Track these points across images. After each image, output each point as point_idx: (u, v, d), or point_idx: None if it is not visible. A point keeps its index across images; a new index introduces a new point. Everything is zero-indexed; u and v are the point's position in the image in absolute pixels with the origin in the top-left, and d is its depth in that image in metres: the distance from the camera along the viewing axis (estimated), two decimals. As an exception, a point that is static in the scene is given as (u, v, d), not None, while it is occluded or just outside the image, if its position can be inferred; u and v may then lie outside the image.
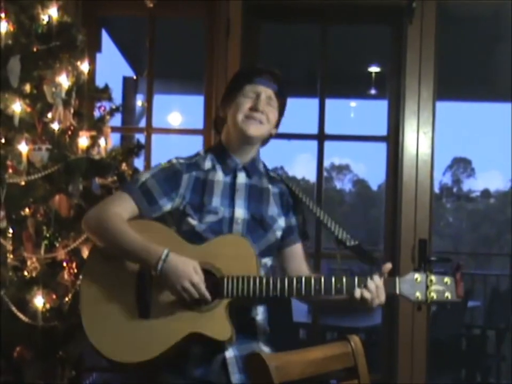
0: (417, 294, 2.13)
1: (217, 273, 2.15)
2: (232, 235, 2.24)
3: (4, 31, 2.82)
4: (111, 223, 2.18)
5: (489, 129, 58.42)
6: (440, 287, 2.13)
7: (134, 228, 2.19)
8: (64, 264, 2.88)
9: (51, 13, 2.93)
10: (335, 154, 35.06)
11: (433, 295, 2.13)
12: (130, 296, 2.18)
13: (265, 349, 2.28)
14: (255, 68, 2.45)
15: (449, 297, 2.13)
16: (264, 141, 2.42)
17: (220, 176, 2.32)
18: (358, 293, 2.11)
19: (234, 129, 2.32)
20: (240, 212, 2.28)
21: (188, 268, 2.10)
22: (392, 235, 3.79)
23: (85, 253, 2.90)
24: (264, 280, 2.12)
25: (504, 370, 6.06)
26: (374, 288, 2.11)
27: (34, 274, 2.76)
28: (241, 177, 2.34)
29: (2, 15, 2.84)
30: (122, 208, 2.23)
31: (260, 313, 2.32)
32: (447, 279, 2.14)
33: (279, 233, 2.35)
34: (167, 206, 2.27)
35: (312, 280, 2.12)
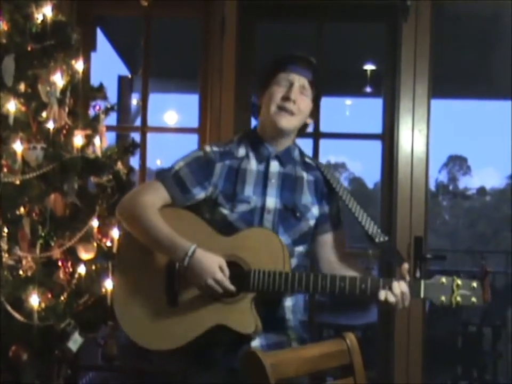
0: (442, 297, 2.12)
1: (244, 266, 2.16)
2: (261, 228, 2.24)
3: (-2, 30, 2.82)
4: (142, 212, 2.21)
5: (484, 127, 58.51)
6: (466, 292, 2.11)
7: (166, 216, 2.22)
8: (60, 263, 2.88)
9: (45, 12, 2.92)
10: (330, 152, 35.02)
11: (459, 299, 2.12)
12: (160, 285, 2.22)
13: (294, 336, 2.30)
14: (290, 54, 2.38)
15: (476, 302, 2.12)
16: (302, 129, 2.39)
17: (253, 164, 2.31)
18: (382, 295, 2.10)
19: (267, 119, 2.30)
20: (272, 201, 2.27)
21: (212, 264, 2.12)
22: (388, 233, 3.76)
23: (81, 251, 2.90)
24: (290, 276, 2.12)
25: (501, 368, 6.06)
26: (399, 293, 2.10)
27: (29, 274, 2.76)
28: (274, 166, 2.32)
29: (-3, 14, 2.83)
30: (155, 196, 2.25)
31: (289, 299, 2.32)
32: (474, 284, 2.12)
33: (312, 222, 2.33)
34: (201, 194, 2.29)
35: (337, 279, 2.12)
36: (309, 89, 2.29)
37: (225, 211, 2.25)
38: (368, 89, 6.80)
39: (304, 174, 2.36)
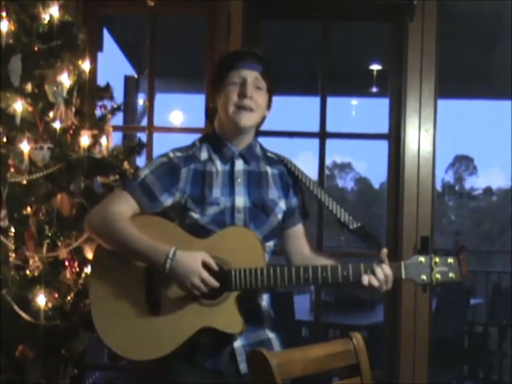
0: (423, 276, 2.15)
1: (225, 266, 2.15)
2: (237, 227, 2.24)
3: (5, 30, 2.83)
4: (115, 224, 2.18)
5: (491, 127, 58.36)
6: (444, 268, 2.16)
7: (138, 224, 2.19)
8: (66, 263, 2.88)
9: (52, 12, 2.93)
10: (336, 152, 35.01)
11: (438, 276, 2.15)
12: (140, 293, 2.19)
13: (271, 335, 2.30)
14: (236, 52, 2.41)
15: (454, 277, 2.16)
16: (259, 124, 2.38)
17: (218, 166, 2.30)
18: (365, 280, 2.13)
19: (227, 120, 2.30)
20: (241, 200, 2.27)
21: (196, 263, 2.12)
22: (394, 232, 3.79)
23: (87, 251, 2.90)
24: (271, 271, 2.12)
25: (507, 367, 6.06)
26: (382, 276, 2.13)
27: (36, 273, 2.77)
28: (239, 165, 2.31)
29: (4, 14, 2.84)
30: (124, 206, 2.22)
31: (264, 299, 2.33)
32: (450, 260, 2.16)
33: (280, 216, 2.33)
34: (168, 201, 2.27)
35: (319, 269, 2.13)
36: (263, 81, 2.29)
37: (195, 215, 2.24)
38: (374, 89, 6.80)
39: (268, 169, 2.35)
